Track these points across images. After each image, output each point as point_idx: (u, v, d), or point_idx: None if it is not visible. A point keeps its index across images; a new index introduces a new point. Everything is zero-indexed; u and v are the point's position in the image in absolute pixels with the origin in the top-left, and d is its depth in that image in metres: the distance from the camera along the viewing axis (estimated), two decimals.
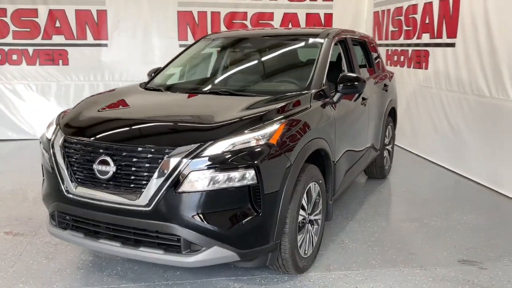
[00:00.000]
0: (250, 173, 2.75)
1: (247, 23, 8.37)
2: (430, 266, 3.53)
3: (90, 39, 8.07)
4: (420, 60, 6.94)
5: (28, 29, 7.84)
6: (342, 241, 3.96)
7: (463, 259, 3.65)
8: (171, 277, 3.32)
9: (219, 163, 2.72)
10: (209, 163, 2.72)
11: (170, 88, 4.02)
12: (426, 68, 6.76)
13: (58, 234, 3.15)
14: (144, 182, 2.76)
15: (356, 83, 3.82)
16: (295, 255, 3.16)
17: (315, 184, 3.39)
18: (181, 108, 3.49)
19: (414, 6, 7.02)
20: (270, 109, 3.14)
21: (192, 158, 2.71)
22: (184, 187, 2.70)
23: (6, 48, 7.82)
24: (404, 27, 7.37)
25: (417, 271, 3.46)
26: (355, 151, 4.43)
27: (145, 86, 4.13)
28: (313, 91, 3.65)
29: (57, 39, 7.97)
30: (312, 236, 3.45)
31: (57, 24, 7.92)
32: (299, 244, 3.21)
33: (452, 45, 6.09)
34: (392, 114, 5.91)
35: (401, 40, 7.50)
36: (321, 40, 4.18)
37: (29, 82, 7.98)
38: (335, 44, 4.44)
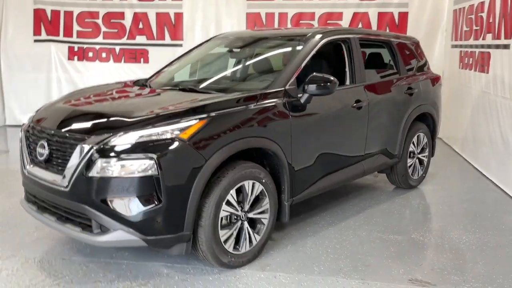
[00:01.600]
0: (151, 164, 2.92)
1: (315, 23, 8.32)
2: (372, 280, 3.32)
3: (167, 40, 8.77)
4: (483, 63, 6.26)
5: (116, 30, 8.80)
6: (304, 244, 3.87)
7: (416, 279, 3.34)
8: (117, 257, 3.61)
9: (125, 153, 2.94)
10: (116, 152, 2.95)
11: (153, 85, 4.31)
12: (488, 72, 6.09)
13: (24, 206, 3.65)
14: (66, 165, 3.09)
15: (328, 84, 3.72)
16: (215, 249, 3.23)
17: (253, 182, 3.41)
18: (122, 103, 3.78)
19: (482, 4, 6.36)
20: (197, 105, 3.26)
21: (101, 146, 2.97)
22: (92, 172, 2.97)
23: (97, 47, 8.88)
24: (474, 27, 6.70)
25: (353, 282, 3.28)
26: (340, 155, 4.27)
27: (143, 82, 4.48)
28: (272, 90, 3.66)
29: (140, 39, 8.81)
30: (250, 234, 3.47)
31: (140, 26, 8.75)
32: (223, 239, 3.28)
33: (507, 46, 5.43)
34: (427, 120, 5.48)
35: (471, 41, 6.83)
36: (304, 41, 4.11)
37: (115, 78, 8.92)
38: (333, 44, 4.35)
